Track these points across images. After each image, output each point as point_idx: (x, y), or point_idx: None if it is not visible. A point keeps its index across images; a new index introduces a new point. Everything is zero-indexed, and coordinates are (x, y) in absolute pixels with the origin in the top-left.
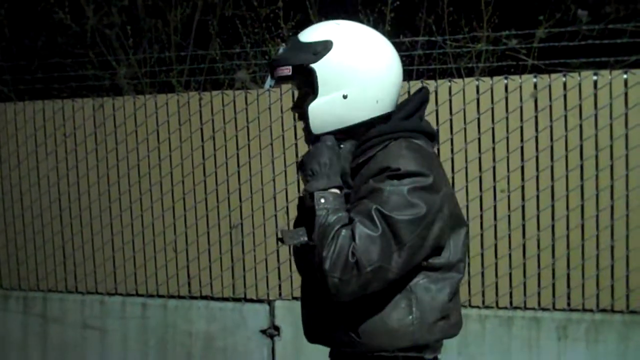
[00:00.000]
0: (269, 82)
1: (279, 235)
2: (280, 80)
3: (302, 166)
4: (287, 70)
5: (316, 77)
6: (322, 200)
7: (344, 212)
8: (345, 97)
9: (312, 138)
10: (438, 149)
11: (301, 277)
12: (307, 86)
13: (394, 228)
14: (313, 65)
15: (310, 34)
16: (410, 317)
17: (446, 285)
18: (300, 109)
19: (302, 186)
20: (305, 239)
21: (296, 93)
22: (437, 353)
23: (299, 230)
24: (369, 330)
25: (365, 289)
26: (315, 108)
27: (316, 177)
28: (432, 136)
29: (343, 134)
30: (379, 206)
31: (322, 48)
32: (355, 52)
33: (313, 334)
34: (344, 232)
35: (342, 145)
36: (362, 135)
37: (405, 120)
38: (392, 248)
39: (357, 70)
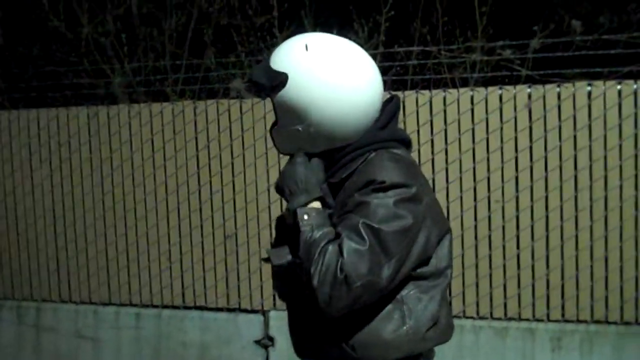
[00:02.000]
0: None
1: (265, 255)
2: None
3: (279, 188)
4: (260, 94)
5: (275, 107)
6: (306, 217)
7: (328, 227)
8: (300, 131)
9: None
10: (432, 159)
11: (285, 296)
12: (274, 109)
13: (381, 240)
14: (272, 96)
15: (277, 58)
16: (405, 327)
17: (436, 294)
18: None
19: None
20: (291, 256)
21: None
22: (431, 357)
23: (284, 249)
24: (363, 343)
25: (355, 303)
26: (278, 132)
27: (296, 195)
28: (409, 143)
29: (320, 153)
30: (365, 220)
31: (279, 81)
32: (311, 88)
33: (304, 350)
34: (330, 247)
35: (314, 160)
36: (338, 152)
37: (381, 131)
38: (381, 260)
39: (312, 107)
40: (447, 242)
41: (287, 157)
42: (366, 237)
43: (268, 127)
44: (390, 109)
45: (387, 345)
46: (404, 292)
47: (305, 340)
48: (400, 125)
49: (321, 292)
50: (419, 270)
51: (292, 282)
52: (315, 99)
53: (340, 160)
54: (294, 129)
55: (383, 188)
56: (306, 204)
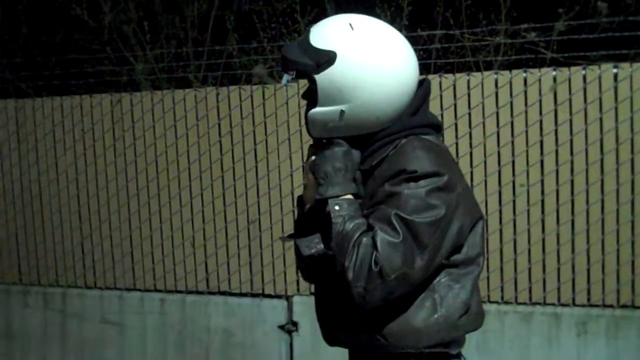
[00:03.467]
0: (286, 78)
1: (296, 245)
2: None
3: (315, 168)
4: (292, 73)
5: (317, 87)
6: (337, 207)
7: (360, 218)
8: (342, 112)
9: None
10: (457, 143)
11: (314, 283)
12: (310, 92)
13: (414, 232)
14: (315, 76)
15: (320, 36)
16: (436, 315)
17: (467, 282)
18: (307, 99)
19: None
20: (322, 246)
21: None
22: (461, 347)
23: (313, 238)
24: (394, 332)
25: (391, 295)
26: (313, 115)
27: (330, 183)
28: (439, 127)
29: (352, 138)
30: (398, 211)
31: (326, 60)
32: (360, 68)
33: (334, 338)
34: (364, 240)
35: (354, 152)
36: (369, 139)
37: (412, 117)
38: (414, 252)
39: (359, 87)
40: (479, 229)
41: (309, 144)
42: (399, 229)
43: (290, 114)
44: (421, 94)
45: (419, 333)
46: (435, 281)
47: (334, 327)
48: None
49: (356, 286)
50: (451, 259)
51: (321, 271)
52: (362, 79)
53: (370, 147)
54: (336, 109)
55: (414, 178)
56: (338, 196)
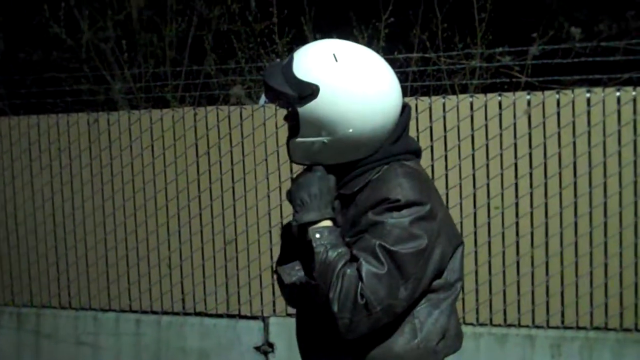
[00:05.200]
0: (263, 99)
1: (277, 272)
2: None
3: (290, 196)
4: (274, 102)
5: (299, 118)
6: (318, 235)
7: (342, 247)
8: (324, 143)
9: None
10: (432, 166)
11: (297, 308)
12: (293, 118)
13: (399, 263)
14: (297, 108)
15: (303, 67)
16: (416, 341)
17: (446, 307)
18: (288, 138)
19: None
20: (303, 274)
21: None
22: None
23: (294, 265)
24: (374, 357)
25: (376, 325)
26: (294, 144)
27: (306, 209)
28: (419, 152)
29: (334, 166)
30: (382, 241)
31: (309, 93)
32: (343, 101)
33: None
34: (348, 271)
35: (330, 176)
36: (350, 165)
37: (394, 145)
38: (399, 283)
39: (342, 120)
40: (459, 254)
41: (286, 165)
42: (384, 260)
43: (268, 134)
44: (403, 121)
45: (398, 358)
46: (415, 307)
47: (314, 351)
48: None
49: (341, 317)
50: (432, 284)
51: (303, 298)
52: (345, 112)
53: (352, 172)
54: (318, 140)
55: (397, 207)
56: (317, 222)
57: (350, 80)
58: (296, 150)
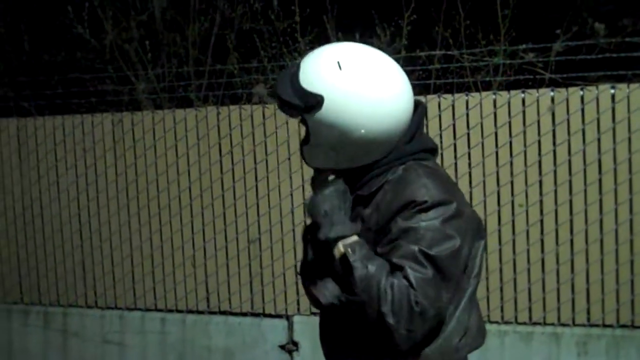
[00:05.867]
0: None
1: (305, 285)
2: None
3: (312, 206)
4: (288, 112)
5: (308, 126)
6: (350, 251)
7: (378, 259)
8: (336, 150)
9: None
10: (455, 163)
11: (320, 315)
12: (304, 124)
13: (440, 266)
14: (305, 118)
15: (308, 77)
16: (439, 340)
17: (466, 304)
18: (302, 145)
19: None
20: (339, 293)
21: None
22: None
23: (326, 284)
24: (399, 358)
25: (428, 331)
26: (308, 150)
27: (331, 222)
28: (435, 151)
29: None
30: (420, 247)
31: (314, 102)
32: (349, 109)
33: None
34: (396, 281)
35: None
36: (367, 167)
37: (409, 144)
38: (442, 285)
39: (350, 127)
40: (480, 250)
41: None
42: (427, 264)
43: (290, 132)
44: (416, 119)
45: (424, 358)
46: None
47: (339, 352)
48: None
49: (398, 329)
50: None
51: (346, 315)
52: (353, 118)
53: (368, 173)
54: (329, 147)
55: (425, 209)
56: (344, 237)
57: (355, 87)
58: (309, 156)
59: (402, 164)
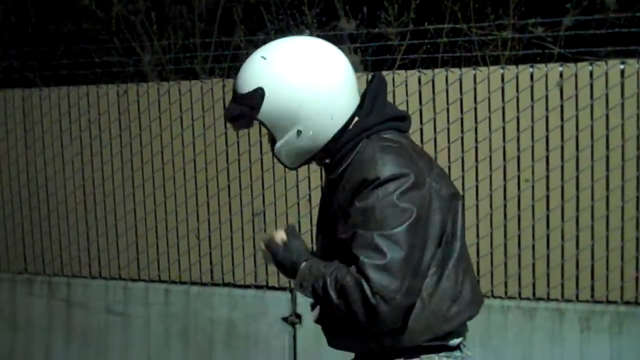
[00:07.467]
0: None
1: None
2: (248, 127)
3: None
4: (243, 124)
5: (265, 125)
6: (303, 281)
7: (323, 269)
8: (299, 132)
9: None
10: (462, 138)
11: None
12: (266, 128)
13: (400, 242)
14: (258, 117)
15: (242, 83)
16: (426, 312)
17: (451, 270)
18: (272, 150)
19: (323, 175)
20: (318, 311)
21: None
22: (462, 337)
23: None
24: (390, 335)
25: (404, 309)
26: (280, 150)
27: (292, 272)
28: (403, 118)
29: (322, 152)
30: (378, 231)
31: (257, 98)
32: (288, 88)
33: (337, 344)
34: (348, 278)
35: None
36: (334, 147)
37: (367, 117)
38: (406, 262)
39: (299, 102)
40: (458, 213)
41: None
42: (385, 248)
43: None
44: (371, 90)
45: (412, 332)
46: None
47: (337, 336)
48: (430, 104)
49: (370, 322)
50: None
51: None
52: (297, 94)
53: (336, 155)
54: (292, 133)
55: (377, 185)
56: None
57: (284, 68)
58: (284, 156)
59: (366, 137)
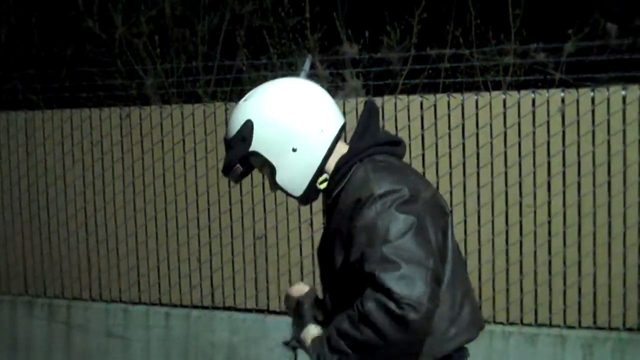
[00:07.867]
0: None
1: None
2: (244, 175)
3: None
4: (239, 170)
5: (261, 155)
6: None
7: (339, 315)
8: (295, 150)
9: (303, 198)
10: (464, 163)
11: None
12: (263, 165)
13: (410, 250)
14: (251, 150)
15: (231, 127)
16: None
17: (445, 292)
18: (276, 185)
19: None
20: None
21: None
22: (463, 358)
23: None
24: (392, 356)
25: (433, 312)
26: (282, 178)
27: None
28: (396, 143)
29: (319, 172)
30: (384, 245)
31: (247, 131)
32: (273, 112)
33: None
34: (366, 304)
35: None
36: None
37: (361, 140)
38: (421, 267)
39: (285, 124)
40: (448, 231)
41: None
42: (397, 259)
43: None
44: (364, 115)
45: (414, 355)
46: None
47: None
48: (432, 129)
49: (403, 336)
50: None
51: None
52: (280, 115)
53: (332, 179)
54: (289, 153)
55: (374, 200)
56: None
57: (266, 97)
58: (289, 184)
59: (359, 161)
